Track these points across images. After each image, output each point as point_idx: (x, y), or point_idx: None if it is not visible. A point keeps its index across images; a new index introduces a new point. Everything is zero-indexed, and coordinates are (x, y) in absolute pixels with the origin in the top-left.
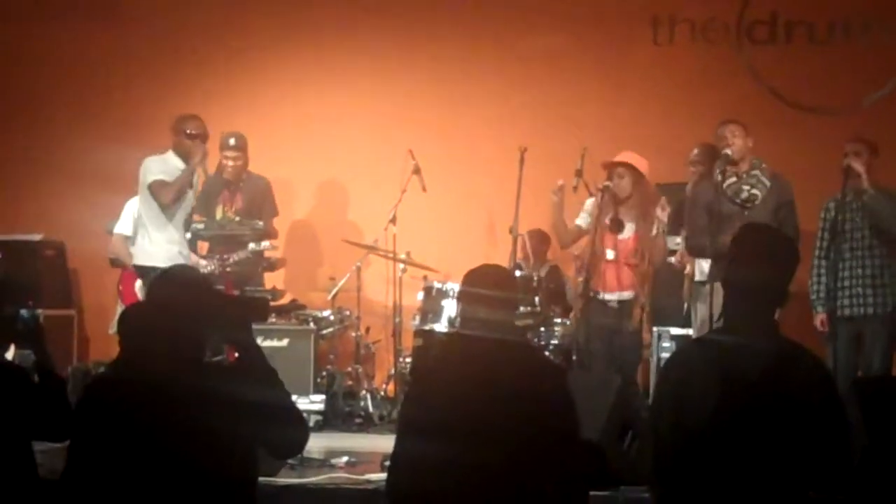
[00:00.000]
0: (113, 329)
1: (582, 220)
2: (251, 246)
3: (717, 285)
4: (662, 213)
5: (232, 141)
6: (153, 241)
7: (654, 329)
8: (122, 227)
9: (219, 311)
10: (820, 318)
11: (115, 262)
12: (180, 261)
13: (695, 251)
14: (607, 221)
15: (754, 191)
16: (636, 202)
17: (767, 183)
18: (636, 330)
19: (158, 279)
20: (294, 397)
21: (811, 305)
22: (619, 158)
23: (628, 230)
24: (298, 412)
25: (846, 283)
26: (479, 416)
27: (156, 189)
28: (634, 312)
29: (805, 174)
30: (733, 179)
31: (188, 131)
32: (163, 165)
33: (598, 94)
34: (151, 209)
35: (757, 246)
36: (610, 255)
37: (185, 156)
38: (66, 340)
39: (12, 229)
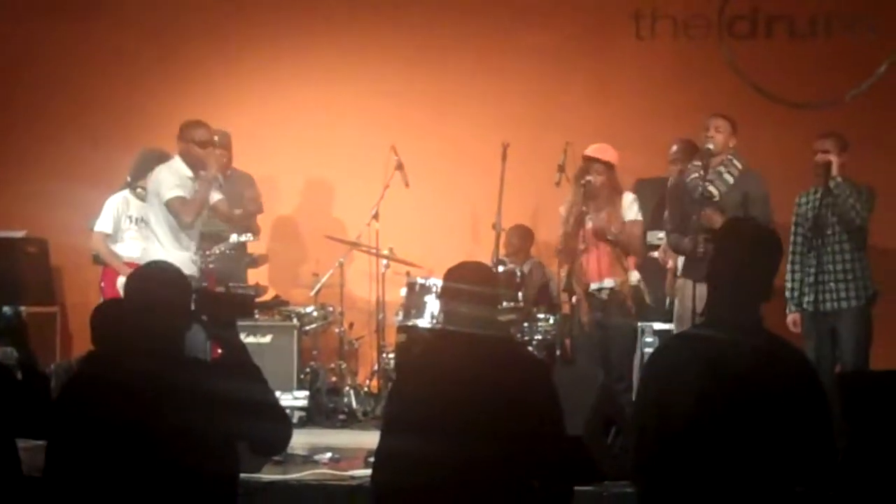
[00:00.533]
0: None
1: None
2: (233, 237)
3: (687, 281)
4: (632, 198)
5: (216, 139)
6: (164, 246)
7: (638, 324)
8: (103, 224)
9: (203, 307)
10: (792, 317)
11: (97, 260)
12: (192, 267)
13: (675, 248)
14: (578, 215)
15: (711, 188)
16: (605, 195)
17: (730, 180)
18: (626, 322)
19: (136, 275)
20: (277, 393)
21: (786, 302)
22: (594, 153)
23: (596, 218)
24: (282, 409)
25: (820, 279)
26: (463, 412)
27: (177, 208)
28: (623, 303)
29: (787, 169)
30: (695, 175)
31: (198, 139)
32: (175, 177)
33: (581, 89)
34: (162, 219)
35: (740, 239)
36: (582, 245)
37: (193, 163)
38: (49, 337)
39: None
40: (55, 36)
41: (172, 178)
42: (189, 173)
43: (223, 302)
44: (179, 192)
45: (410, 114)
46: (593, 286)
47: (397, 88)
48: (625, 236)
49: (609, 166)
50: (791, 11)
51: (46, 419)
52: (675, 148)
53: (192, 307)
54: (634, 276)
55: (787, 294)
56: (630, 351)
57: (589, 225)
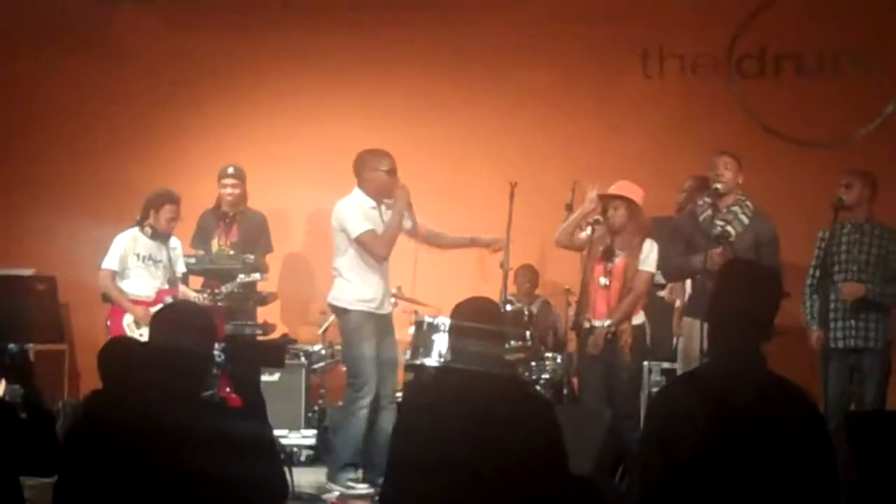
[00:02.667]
0: None
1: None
2: (240, 277)
3: (691, 320)
4: (650, 247)
5: (231, 170)
6: (352, 282)
7: (645, 363)
8: (110, 262)
9: (232, 356)
10: (815, 335)
11: (105, 298)
12: (375, 301)
13: (668, 275)
14: (600, 251)
15: (728, 228)
16: (630, 232)
17: (745, 221)
18: (631, 360)
19: (164, 315)
20: (285, 432)
21: (806, 326)
22: (614, 190)
23: (618, 257)
24: (283, 476)
25: (839, 315)
26: (467, 450)
27: (369, 243)
28: (626, 341)
29: (796, 207)
30: (709, 213)
31: (387, 168)
32: (358, 210)
33: (589, 128)
34: (347, 254)
35: (741, 279)
36: (603, 281)
37: (375, 193)
38: (57, 375)
39: (3, 264)
40: (63, 72)
41: (356, 212)
42: (371, 203)
43: (254, 352)
44: (368, 226)
45: (418, 153)
46: (597, 323)
47: (404, 127)
48: (632, 282)
49: (629, 203)
50: (799, 50)
51: (51, 457)
52: (688, 183)
53: (222, 355)
54: (639, 317)
55: (807, 317)
56: (635, 389)
57: (618, 261)
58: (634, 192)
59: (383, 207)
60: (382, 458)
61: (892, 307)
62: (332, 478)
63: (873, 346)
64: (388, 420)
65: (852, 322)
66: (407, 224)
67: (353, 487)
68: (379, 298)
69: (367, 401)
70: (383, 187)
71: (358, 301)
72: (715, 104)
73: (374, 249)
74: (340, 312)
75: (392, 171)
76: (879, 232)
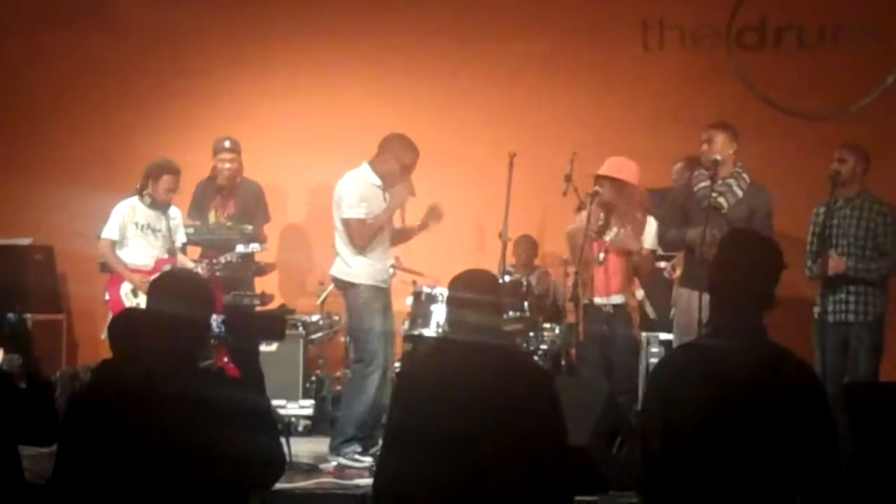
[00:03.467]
0: (105, 334)
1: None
2: (239, 248)
3: (688, 291)
4: (651, 229)
5: (227, 143)
6: (351, 258)
7: (643, 335)
8: (109, 231)
9: (232, 328)
10: (832, 261)
11: (104, 267)
12: (382, 275)
13: (664, 245)
14: (596, 228)
15: (721, 199)
16: (623, 208)
17: (739, 194)
18: (630, 335)
19: (160, 283)
20: (283, 402)
21: (806, 271)
22: (603, 171)
23: (613, 233)
24: (280, 449)
25: (831, 289)
26: (465, 421)
27: (353, 229)
28: (627, 317)
29: (794, 179)
30: (705, 184)
31: (408, 162)
32: (359, 188)
33: (588, 99)
34: (342, 229)
35: (741, 250)
36: (601, 257)
37: (385, 177)
38: (54, 345)
39: (1, 234)
40: (60, 44)
41: (356, 192)
42: (377, 182)
43: (253, 324)
44: (361, 213)
45: (417, 123)
46: (599, 300)
47: (404, 98)
48: (618, 257)
49: (615, 182)
50: (799, 22)
51: (50, 427)
52: (679, 165)
53: (221, 327)
54: (639, 293)
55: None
56: (634, 363)
57: (608, 238)
58: (624, 169)
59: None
60: (378, 431)
61: (884, 281)
62: (336, 450)
63: (864, 320)
64: (384, 393)
65: (843, 296)
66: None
67: (358, 460)
68: (383, 272)
69: (377, 375)
70: (392, 177)
71: (364, 275)
72: (715, 76)
73: (354, 235)
74: (347, 286)
75: (408, 169)
76: (870, 205)
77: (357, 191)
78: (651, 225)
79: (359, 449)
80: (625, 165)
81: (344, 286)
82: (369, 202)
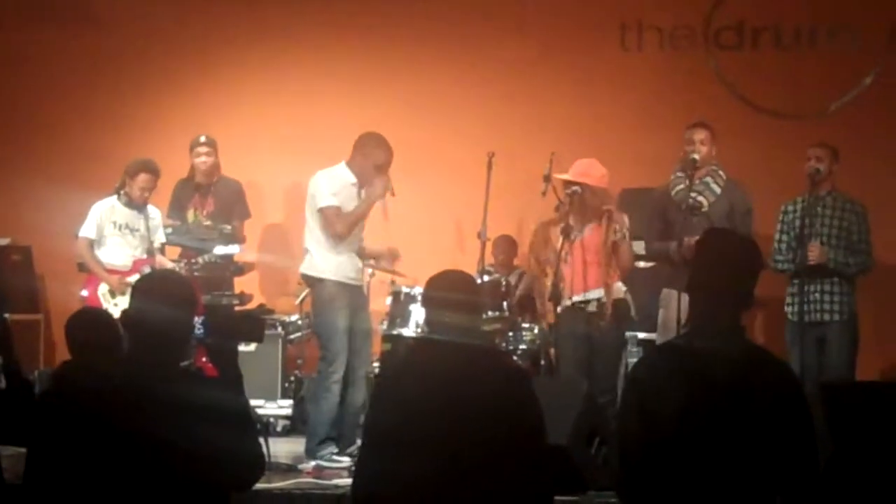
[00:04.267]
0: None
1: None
2: (217, 249)
3: (672, 291)
4: (620, 217)
5: (203, 139)
6: (320, 254)
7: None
8: (87, 230)
9: (212, 330)
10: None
11: (82, 267)
12: (350, 272)
13: (649, 256)
14: (562, 229)
15: (700, 198)
16: (592, 209)
17: (717, 191)
18: (612, 335)
19: (145, 284)
20: (261, 402)
21: (772, 263)
22: (570, 176)
23: (583, 232)
24: (260, 451)
25: (805, 289)
26: (444, 421)
27: (330, 218)
28: (605, 313)
29: (772, 178)
30: (681, 186)
31: (380, 162)
32: (333, 183)
33: (567, 100)
34: (317, 224)
35: (720, 250)
36: (566, 257)
37: (359, 176)
38: (32, 345)
39: None
40: (41, 42)
41: (330, 184)
42: (353, 179)
43: (232, 327)
44: (335, 202)
45: (396, 123)
46: (577, 298)
47: (383, 97)
48: (616, 258)
49: (585, 187)
50: (777, 22)
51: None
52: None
53: (201, 327)
54: (620, 289)
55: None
56: (616, 362)
57: (576, 239)
58: (590, 172)
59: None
60: (352, 431)
61: (856, 279)
62: (311, 453)
63: (839, 318)
64: (357, 394)
65: (817, 295)
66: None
67: (335, 461)
68: (352, 269)
69: (339, 374)
70: (365, 176)
71: (331, 271)
72: (693, 77)
73: (332, 225)
74: (314, 282)
75: (381, 168)
76: (842, 203)
77: (330, 185)
78: (625, 218)
79: (335, 449)
80: (591, 167)
81: (311, 282)
82: (341, 196)
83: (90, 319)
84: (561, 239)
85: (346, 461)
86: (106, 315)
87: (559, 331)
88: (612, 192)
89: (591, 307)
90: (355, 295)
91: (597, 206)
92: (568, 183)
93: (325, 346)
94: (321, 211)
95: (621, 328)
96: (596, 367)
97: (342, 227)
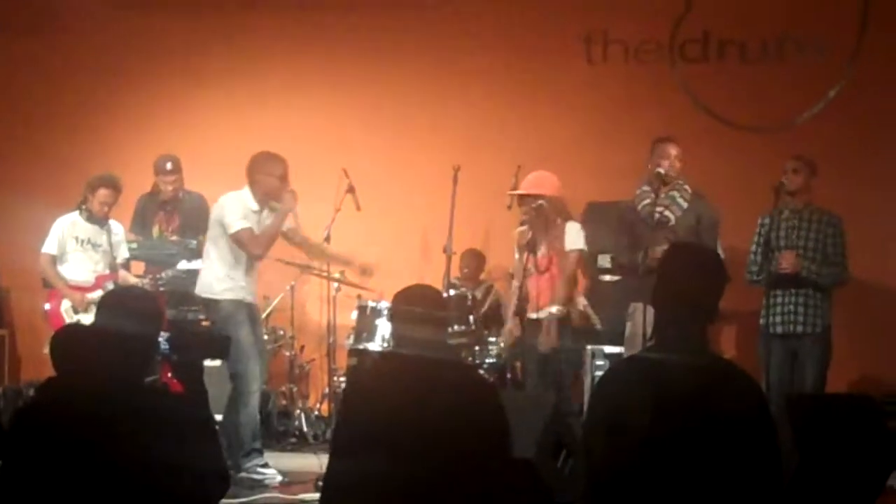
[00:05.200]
0: (47, 350)
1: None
2: (182, 264)
3: (639, 305)
4: (572, 227)
5: (169, 165)
6: (218, 275)
7: (588, 347)
8: (49, 246)
9: (176, 347)
10: (785, 256)
11: (46, 283)
12: (247, 290)
13: (615, 270)
14: (525, 244)
15: (667, 213)
16: (546, 222)
17: (684, 205)
18: (570, 347)
19: (111, 299)
20: None
21: (747, 275)
22: (523, 189)
23: (543, 246)
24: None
25: (778, 300)
26: (411, 435)
27: (246, 239)
28: (567, 328)
29: (738, 191)
30: (647, 201)
31: (279, 173)
32: (242, 208)
33: (532, 113)
34: (221, 247)
35: (685, 263)
36: (532, 272)
37: (263, 196)
38: None
39: None
40: (6, 52)
41: (239, 209)
42: (255, 207)
43: (196, 343)
44: (247, 224)
45: (362, 137)
46: (532, 315)
47: (349, 112)
48: (557, 268)
49: (540, 199)
50: (743, 35)
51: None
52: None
53: (167, 345)
54: (580, 302)
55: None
56: (565, 371)
57: (540, 253)
58: (542, 185)
59: (265, 213)
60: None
61: (830, 291)
62: (236, 467)
63: (812, 331)
64: (250, 410)
65: (791, 307)
66: (288, 224)
67: (263, 474)
68: (246, 287)
69: (256, 385)
70: (273, 191)
71: (226, 290)
72: (658, 89)
73: (249, 247)
74: (211, 304)
75: (283, 177)
76: (818, 217)
77: (238, 207)
78: (574, 229)
79: (262, 461)
80: (544, 180)
81: (208, 303)
82: (250, 221)
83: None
84: (526, 253)
85: (271, 472)
86: (89, 332)
87: (524, 344)
88: (567, 203)
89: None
90: (251, 311)
91: (554, 218)
92: (527, 197)
93: (236, 362)
94: (236, 235)
95: (580, 341)
96: (557, 377)
97: (260, 249)
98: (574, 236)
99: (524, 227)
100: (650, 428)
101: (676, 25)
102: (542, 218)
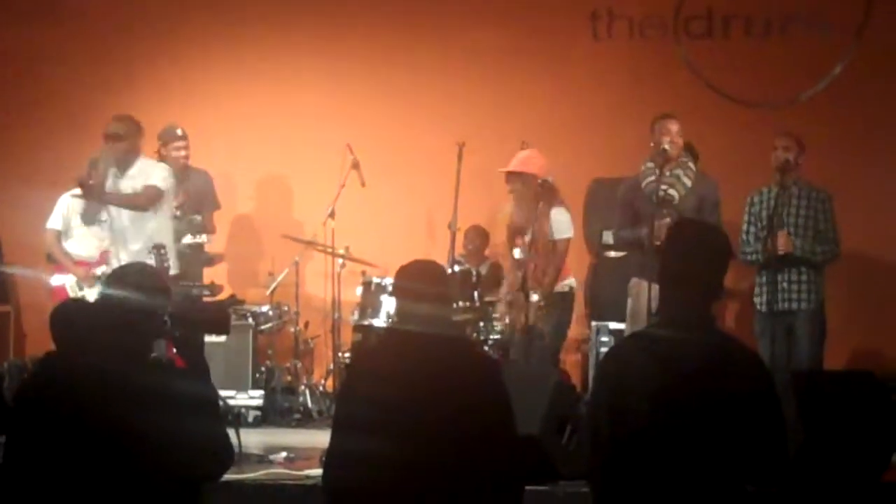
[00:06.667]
0: None
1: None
2: (186, 239)
3: (640, 281)
4: (559, 215)
5: (179, 131)
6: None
7: (593, 324)
8: (54, 222)
9: (177, 324)
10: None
11: (51, 259)
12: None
13: (618, 245)
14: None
15: (671, 191)
16: (532, 203)
17: (688, 183)
18: (549, 328)
19: (117, 274)
20: (232, 393)
21: (741, 255)
22: (510, 167)
23: (529, 229)
24: (228, 440)
25: (772, 278)
26: (414, 410)
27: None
28: (536, 308)
29: (741, 167)
30: (651, 178)
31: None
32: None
33: (537, 89)
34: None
35: (690, 240)
36: (518, 254)
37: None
38: (2, 336)
39: None
40: (5, 36)
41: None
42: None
43: (198, 318)
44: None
45: (367, 112)
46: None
47: (353, 87)
48: (542, 255)
49: (527, 177)
50: (747, 11)
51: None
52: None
53: (168, 321)
54: (564, 285)
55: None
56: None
57: (528, 237)
58: (528, 163)
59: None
60: None
61: (823, 267)
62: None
63: (808, 307)
64: None
65: (786, 284)
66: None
67: None
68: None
69: None
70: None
71: None
72: (663, 66)
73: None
74: None
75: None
76: (808, 192)
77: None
78: (561, 215)
79: None
80: (531, 160)
81: None
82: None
83: (74, 311)
84: (509, 236)
85: None
86: (89, 306)
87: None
88: (556, 185)
89: (541, 303)
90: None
91: (536, 202)
92: (512, 175)
93: None
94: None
95: (560, 321)
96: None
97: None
98: (561, 224)
99: (509, 210)
100: (655, 404)
101: (681, 1)
102: (526, 199)
